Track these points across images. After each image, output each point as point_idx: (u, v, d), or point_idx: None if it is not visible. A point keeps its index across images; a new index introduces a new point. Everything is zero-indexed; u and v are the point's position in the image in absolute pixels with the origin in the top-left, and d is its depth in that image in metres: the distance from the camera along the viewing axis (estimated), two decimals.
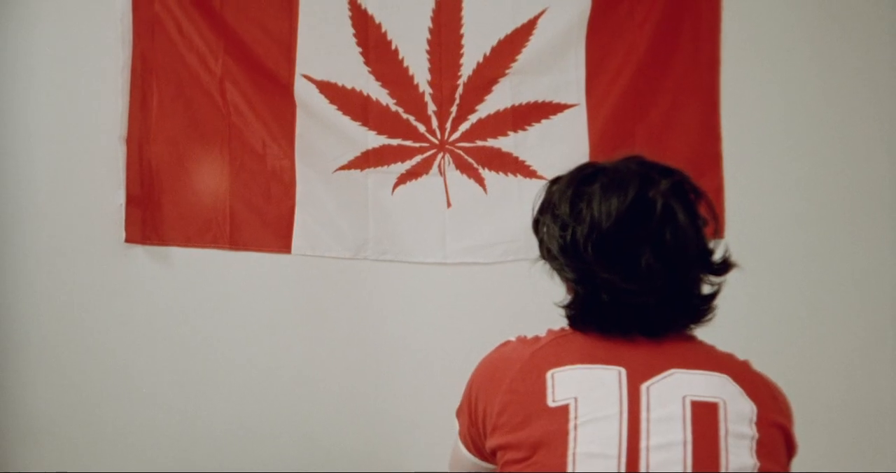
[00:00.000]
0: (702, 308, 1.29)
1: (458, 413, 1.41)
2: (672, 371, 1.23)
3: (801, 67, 2.77)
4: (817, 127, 2.76)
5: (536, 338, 1.33)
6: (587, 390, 1.21)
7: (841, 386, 2.75)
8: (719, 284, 1.31)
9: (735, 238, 2.64)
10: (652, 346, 1.26)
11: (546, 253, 1.32)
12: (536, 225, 1.36)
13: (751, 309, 2.70)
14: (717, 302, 1.30)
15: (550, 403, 1.21)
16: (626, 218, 1.24)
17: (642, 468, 1.15)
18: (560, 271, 1.30)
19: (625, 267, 1.23)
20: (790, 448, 1.25)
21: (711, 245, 1.31)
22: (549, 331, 1.34)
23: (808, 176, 2.76)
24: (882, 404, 2.77)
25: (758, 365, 1.31)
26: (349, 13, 2.69)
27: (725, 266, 1.31)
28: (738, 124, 2.74)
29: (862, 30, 2.77)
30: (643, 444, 1.16)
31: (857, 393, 2.76)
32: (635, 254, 1.23)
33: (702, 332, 1.33)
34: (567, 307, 1.32)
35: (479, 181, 2.72)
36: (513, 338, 1.36)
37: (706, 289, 1.30)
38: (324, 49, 2.70)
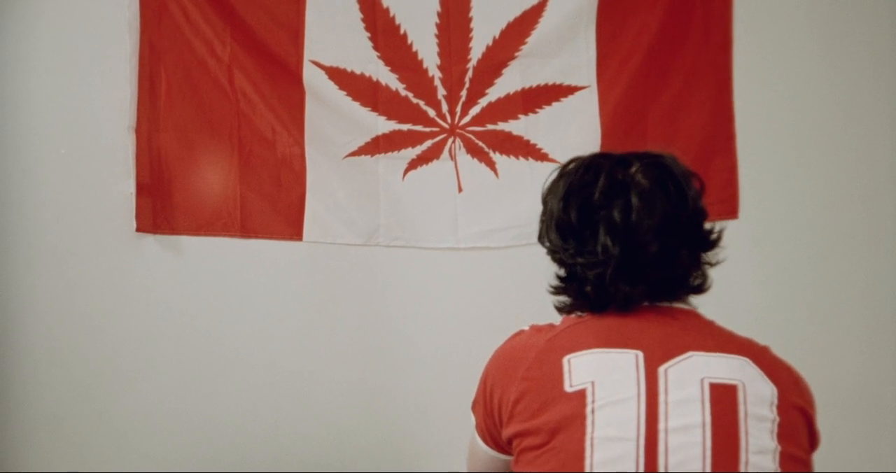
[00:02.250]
0: (676, 281, 1.32)
1: (474, 406, 1.42)
2: (690, 353, 1.23)
3: (813, 48, 2.76)
4: (830, 107, 2.76)
5: (551, 326, 1.34)
6: (604, 374, 1.21)
7: (856, 372, 2.74)
8: (707, 260, 1.34)
9: (749, 217, 2.69)
10: (669, 329, 1.27)
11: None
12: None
13: (763, 288, 2.71)
14: (711, 274, 1.34)
15: (567, 388, 1.22)
16: (571, 198, 1.32)
17: (661, 450, 1.16)
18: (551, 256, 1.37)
19: (579, 244, 1.30)
20: (812, 434, 1.26)
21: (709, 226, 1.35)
22: (565, 319, 1.35)
23: (821, 156, 2.76)
24: None
25: (773, 347, 1.31)
26: None
27: (711, 242, 1.34)
28: (751, 105, 2.72)
29: (874, 9, 2.75)
30: (661, 426, 1.17)
31: (872, 379, 2.75)
32: (590, 232, 1.29)
33: (712, 310, 1.34)
34: (553, 291, 1.37)
35: (491, 165, 2.72)
36: (526, 328, 1.37)
37: (687, 264, 1.32)
38: (332, 34, 2.70)
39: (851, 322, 2.74)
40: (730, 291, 2.65)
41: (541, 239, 1.38)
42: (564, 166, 1.38)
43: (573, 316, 1.35)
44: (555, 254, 1.35)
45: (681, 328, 1.28)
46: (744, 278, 2.71)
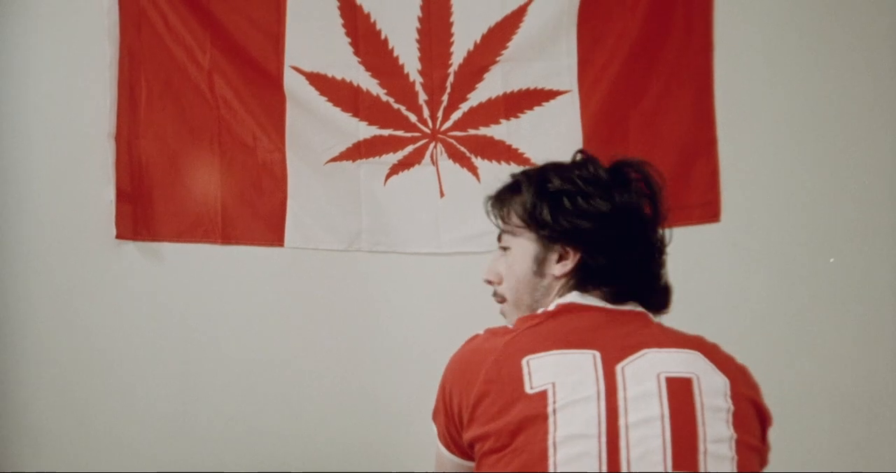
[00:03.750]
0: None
1: (434, 416, 1.44)
2: (644, 351, 1.28)
3: (795, 50, 2.79)
4: (812, 110, 2.79)
5: (506, 329, 1.37)
6: (564, 375, 1.24)
7: (840, 375, 2.75)
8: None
9: (730, 222, 2.69)
10: (622, 329, 1.33)
11: (574, 224, 1.41)
12: (551, 205, 1.43)
13: (744, 292, 2.71)
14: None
15: (528, 390, 1.24)
16: (613, 189, 1.42)
17: (623, 445, 1.19)
18: (585, 236, 1.40)
19: (619, 237, 1.41)
20: (763, 420, 1.31)
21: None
22: (519, 321, 1.39)
23: (804, 159, 2.78)
24: (884, 395, 2.75)
25: (752, 353, 1.38)
26: (337, 3, 2.70)
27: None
28: (733, 108, 2.74)
29: (856, 11, 2.77)
30: (622, 422, 1.20)
31: (858, 382, 2.75)
32: (625, 224, 1.41)
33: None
34: (581, 269, 1.41)
35: (472, 170, 2.72)
36: (480, 332, 1.40)
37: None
38: (313, 40, 2.70)
39: (835, 323, 2.75)
40: (710, 294, 2.67)
41: (576, 215, 1.41)
42: (582, 163, 1.47)
43: (528, 316, 1.40)
44: (607, 241, 1.40)
45: (633, 328, 1.34)
46: (724, 281, 2.72)
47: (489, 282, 1.56)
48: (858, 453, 2.69)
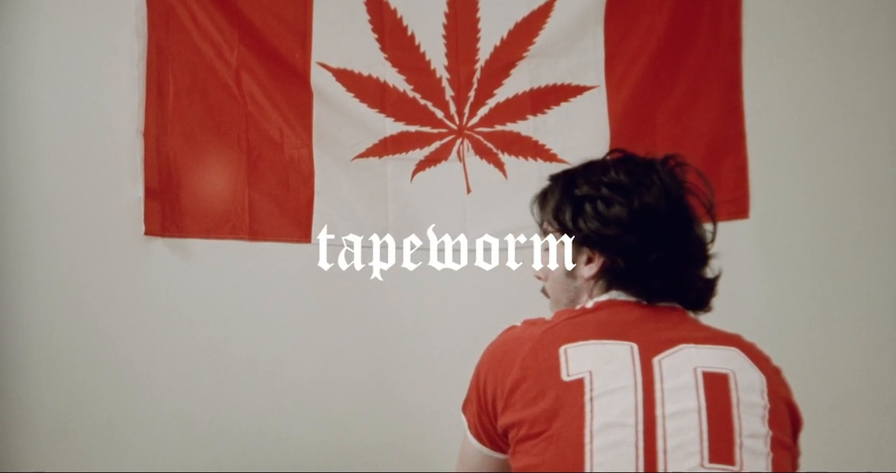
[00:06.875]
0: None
1: (465, 406, 1.47)
2: (682, 346, 1.30)
3: (824, 46, 2.81)
4: (841, 105, 2.80)
5: (544, 320, 1.41)
6: (601, 364, 1.27)
7: (866, 372, 2.75)
8: None
9: (759, 217, 2.68)
10: (660, 324, 1.36)
11: (594, 230, 1.42)
12: (574, 210, 1.45)
13: (774, 288, 2.72)
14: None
15: (565, 377, 1.27)
16: (652, 188, 1.41)
17: (659, 434, 1.21)
18: (605, 241, 1.41)
19: (661, 236, 1.40)
20: (795, 421, 1.33)
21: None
22: (557, 313, 1.43)
23: (832, 155, 2.79)
24: None
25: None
26: None
27: None
28: (762, 104, 2.76)
29: (885, 8, 2.78)
30: (659, 412, 1.23)
31: (882, 379, 2.75)
32: (668, 226, 1.41)
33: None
34: (607, 271, 1.42)
35: (499, 166, 2.73)
36: (518, 324, 1.43)
37: None
38: (339, 36, 2.73)
39: (863, 322, 2.77)
40: (740, 290, 2.66)
41: (633, 214, 1.40)
42: (608, 166, 1.47)
43: (565, 309, 1.44)
44: (626, 245, 1.39)
45: (670, 324, 1.37)
46: (754, 278, 2.70)
47: (539, 278, 1.60)
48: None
